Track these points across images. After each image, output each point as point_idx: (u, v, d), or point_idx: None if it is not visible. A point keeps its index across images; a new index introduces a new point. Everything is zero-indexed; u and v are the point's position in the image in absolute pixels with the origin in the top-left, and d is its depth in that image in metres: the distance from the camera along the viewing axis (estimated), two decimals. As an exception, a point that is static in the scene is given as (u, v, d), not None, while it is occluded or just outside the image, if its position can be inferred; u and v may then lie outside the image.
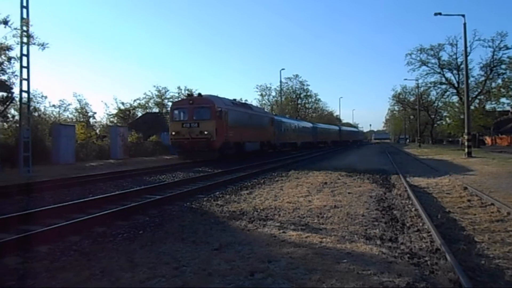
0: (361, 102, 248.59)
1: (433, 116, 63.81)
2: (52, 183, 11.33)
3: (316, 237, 5.42)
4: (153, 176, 14.22)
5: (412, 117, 75.42)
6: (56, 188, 10.60)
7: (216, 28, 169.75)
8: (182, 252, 4.74)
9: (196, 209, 7.69)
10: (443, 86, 50.06)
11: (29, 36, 15.84)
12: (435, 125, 67.94)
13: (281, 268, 4.16)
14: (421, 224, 6.18)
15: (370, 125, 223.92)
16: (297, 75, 68.39)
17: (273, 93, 65.77)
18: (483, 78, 44.50)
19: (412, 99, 67.38)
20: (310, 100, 73.08)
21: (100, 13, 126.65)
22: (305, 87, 69.43)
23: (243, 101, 31.31)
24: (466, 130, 25.78)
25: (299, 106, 70.11)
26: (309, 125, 48.80)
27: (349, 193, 9.59)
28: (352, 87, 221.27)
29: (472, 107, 40.77)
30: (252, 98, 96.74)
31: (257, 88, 67.48)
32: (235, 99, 25.92)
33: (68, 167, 18.30)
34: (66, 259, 4.55)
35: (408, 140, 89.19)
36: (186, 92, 42.68)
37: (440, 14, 25.96)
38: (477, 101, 46.65)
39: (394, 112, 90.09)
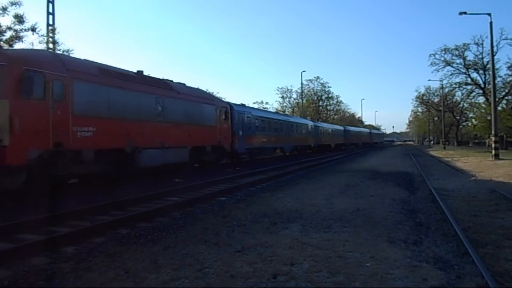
0: (384, 104, 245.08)
1: (458, 117, 62.39)
2: (76, 186, 11.60)
3: (339, 240, 5.37)
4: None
5: (436, 118, 73.86)
6: (81, 190, 10.84)
7: (236, 29, 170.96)
8: (205, 254, 4.79)
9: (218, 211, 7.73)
10: (469, 87, 49.07)
11: (54, 43, 16.42)
12: (461, 126, 66.28)
13: (304, 271, 4.14)
14: (447, 228, 6.03)
15: (393, 126, 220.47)
16: (318, 77, 68.25)
17: (294, 95, 65.62)
18: (510, 78, 43.26)
19: (436, 100, 66.18)
20: (331, 102, 72.68)
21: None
22: (326, 89, 69.14)
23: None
24: (493, 132, 24.97)
25: (321, 108, 69.68)
26: (308, 123, 37.67)
27: (371, 196, 9.45)
28: (375, 88, 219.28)
29: (499, 108, 39.51)
30: (273, 100, 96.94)
31: (278, 90, 67.54)
32: (140, 71, 14.27)
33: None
34: (91, 260, 4.66)
35: (432, 142, 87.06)
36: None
37: (465, 13, 25.32)
38: (504, 101, 45.23)
39: (418, 113, 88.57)
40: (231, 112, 20.11)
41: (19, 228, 6.17)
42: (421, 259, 4.49)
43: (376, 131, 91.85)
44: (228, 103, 21.29)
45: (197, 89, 18.41)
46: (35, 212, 7.19)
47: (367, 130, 77.80)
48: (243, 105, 24.52)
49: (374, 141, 78.44)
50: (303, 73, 53.39)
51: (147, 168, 12.98)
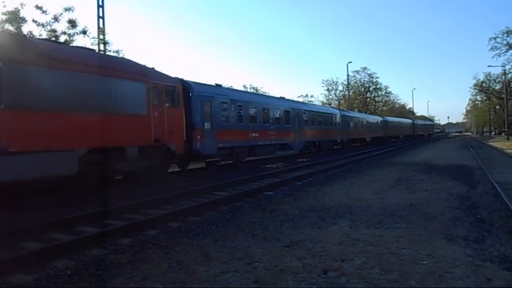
0: (438, 94, 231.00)
1: (524, 106, 57.67)
2: (126, 181, 12.01)
3: (391, 236, 5.15)
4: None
5: (498, 107, 68.88)
6: (130, 185, 11.21)
7: (280, 19, 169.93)
8: (254, 248, 4.80)
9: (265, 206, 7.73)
10: (536, 71, 45.14)
11: (105, 43, 17.42)
12: (527, 115, 61.25)
13: (355, 267, 4.01)
14: (512, 225, 5.58)
15: (448, 117, 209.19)
16: (365, 68, 66.46)
17: (340, 87, 64.20)
18: None
19: (497, 87, 61.66)
20: (380, 93, 70.35)
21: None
22: (374, 80, 66.97)
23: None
24: None
25: (368, 99, 67.64)
26: (334, 112, 30.20)
27: (425, 190, 9.00)
28: (428, 77, 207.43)
29: None
30: (318, 93, 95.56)
31: (323, 82, 66.46)
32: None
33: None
34: (145, 252, 4.85)
35: (493, 133, 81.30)
36: (252, 89, 42.51)
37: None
38: None
39: (476, 102, 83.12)
40: (190, 95, 13.71)
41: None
42: (484, 258, 4.19)
43: (421, 122, 75.01)
44: (181, 79, 13.74)
45: (106, 56, 11.93)
46: None
47: (409, 120, 64.21)
48: (218, 86, 16.90)
49: (418, 133, 65.05)
50: (349, 64, 51.88)
51: None
